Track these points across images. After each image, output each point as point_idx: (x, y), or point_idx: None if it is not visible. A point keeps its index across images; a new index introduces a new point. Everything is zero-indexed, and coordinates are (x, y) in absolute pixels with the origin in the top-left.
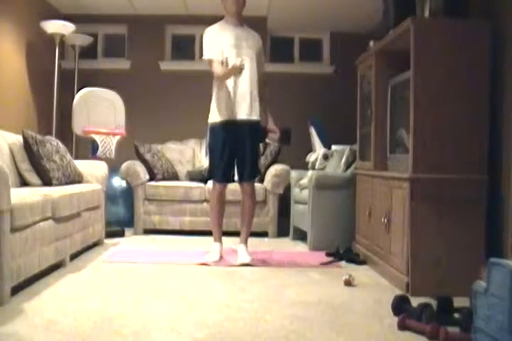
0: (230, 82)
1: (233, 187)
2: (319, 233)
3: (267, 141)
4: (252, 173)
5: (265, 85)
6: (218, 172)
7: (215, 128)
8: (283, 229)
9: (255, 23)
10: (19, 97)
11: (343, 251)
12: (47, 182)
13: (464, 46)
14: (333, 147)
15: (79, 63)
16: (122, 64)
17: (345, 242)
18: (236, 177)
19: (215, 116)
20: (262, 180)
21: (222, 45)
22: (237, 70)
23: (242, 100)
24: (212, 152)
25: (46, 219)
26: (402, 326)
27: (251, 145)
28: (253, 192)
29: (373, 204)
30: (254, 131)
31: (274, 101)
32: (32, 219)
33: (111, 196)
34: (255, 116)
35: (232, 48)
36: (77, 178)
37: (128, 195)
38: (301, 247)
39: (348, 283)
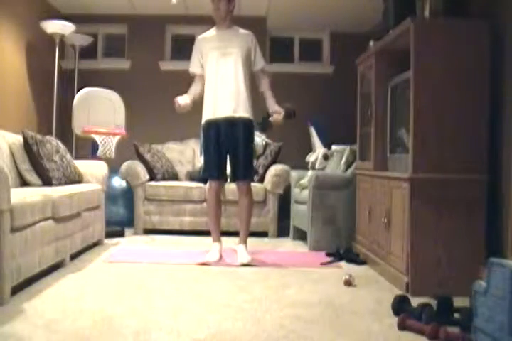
0: (214, 82)
1: (233, 187)
2: (319, 233)
3: (271, 119)
4: (246, 172)
5: (266, 77)
6: (211, 169)
7: (204, 128)
8: (283, 229)
9: (255, 23)
10: (19, 97)
11: (343, 251)
12: (47, 182)
13: (464, 46)
14: (333, 147)
15: (79, 63)
16: (122, 64)
17: (345, 242)
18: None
19: (203, 116)
20: (262, 180)
21: (206, 49)
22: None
23: (227, 98)
24: (204, 151)
25: (46, 219)
26: (402, 326)
27: (243, 143)
28: (249, 191)
29: (373, 204)
30: (243, 129)
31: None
32: (32, 219)
33: (111, 196)
34: (243, 113)
35: (216, 50)
36: (77, 178)
37: (128, 195)
38: (301, 247)
39: (348, 283)
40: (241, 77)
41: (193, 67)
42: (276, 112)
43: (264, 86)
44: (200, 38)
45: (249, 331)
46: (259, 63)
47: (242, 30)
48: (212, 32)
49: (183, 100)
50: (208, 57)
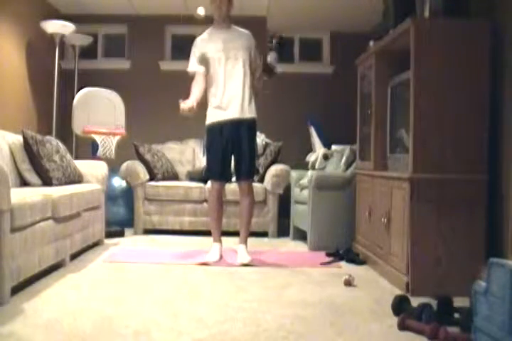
0: (220, 85)
1: (233, 187)
2: (319, 233)
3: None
4: (249, 172)
5: (260, 76)
6: (214, 170)
7: (209, 129)
8: (283, 229)
9: (255, 23)
10: (19, 97)
11: (343, 251)
12: (47, 182)
13: (464, 46)
14: (333, 147)
15: (79, 63)
16: (122, 64)
17: (345, 242)
18: (234, 177)
19: (208, 118)
20: (262, 180)
21: (210, 52)
22: (186, 112)
23: (233, 101)
24: (208, 152)
25: (46, 219)
26: (402, 326)
27: (247, 143)
28: (250, 192)
29: (373, 204)
30: (248, 130)
31: (274, 101)
32: (32, 219)
33: (111, 196)
34: (248, 115)
35: (220, 52)
36: (77, 178)
37: (128, 195)
38: (301, 247)
39: (348, 283)
40: (247, 79)
41: (193, 67)
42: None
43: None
44: (200, 39)
45: (249, 331)
46: (259, 62)
47: (241, 30)
48: (212, 32)
49: (188, 104)
50: (212, 59)
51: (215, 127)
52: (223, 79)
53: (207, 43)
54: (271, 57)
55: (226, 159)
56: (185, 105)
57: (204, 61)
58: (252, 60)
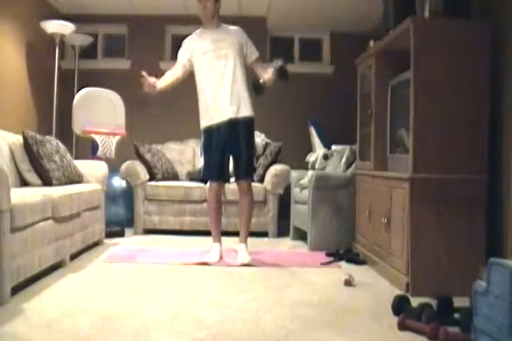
0: (211, 85)
1: (233, 187)
2: (319, 233)
3: (261, 81)
4: (247, 171)
5: (262, 66)
6: (212, 171)
7: (205, 130)
8: (283, 229)
9: (255, 23)
10: (19, 97)
11: (343, 251)
12: (47, 182)
13: (464, 46)
14: (333, 147)
15: (79, 63)
16: (122, 64)
17: (345, 242)
18: (233, 178)
19: (203, 119)
20: (262, 180)
21: (197, 53)
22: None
23: (228, 101)
24: (205, 153)
25: (46, 219)
26: (402, 326)
27: (245, 142)
28: (250, 191)
29: (373, 204)
30: (245, 128)
31: (274, 101)
32: (32, 219)
33: (111, 196)
34: (244, 113)
35: (209, 53)
36: (77, 178)
37: (128, 195)
38: (301, 247)
39: (348, 283)
40: (239, 77)
41: (179, 59)
42: (267, 73)
43: (263, 70)
44: (190, 37)
45: (249, 331)
46: (253, 54)
47: (230, 27)
48: (201, 33)
49: (151, 82)
50: (200, 60)
51: (211, 129)
52: (215, 80)
53: (196, 44)
54: (277, 62)
55: (223, 159)
56: (148, 82)
57: (190, 57)
58: (246, 56)
